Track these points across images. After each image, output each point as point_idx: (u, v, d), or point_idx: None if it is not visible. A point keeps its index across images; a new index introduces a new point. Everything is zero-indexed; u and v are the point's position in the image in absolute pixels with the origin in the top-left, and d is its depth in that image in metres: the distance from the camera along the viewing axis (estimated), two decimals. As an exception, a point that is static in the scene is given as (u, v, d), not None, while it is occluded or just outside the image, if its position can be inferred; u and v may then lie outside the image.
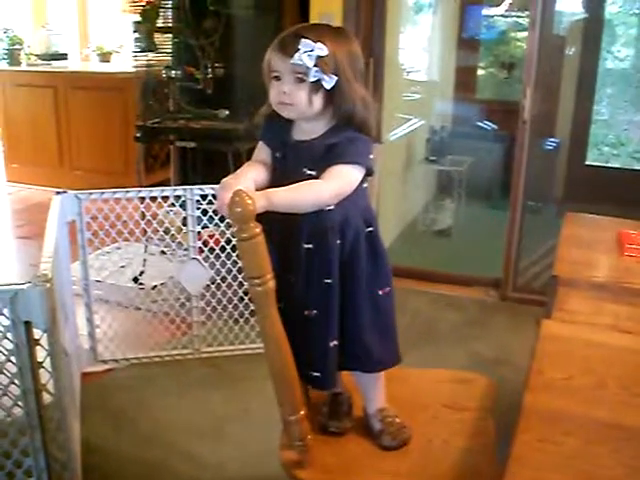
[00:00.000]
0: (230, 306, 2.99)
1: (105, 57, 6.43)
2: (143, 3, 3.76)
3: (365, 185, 1.49)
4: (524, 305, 3.49)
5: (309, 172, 1.43)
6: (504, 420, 1.46)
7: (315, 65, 1.37)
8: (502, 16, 5.99)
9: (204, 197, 2.82)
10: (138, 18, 3.82)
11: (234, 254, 2.88)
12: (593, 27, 5.26)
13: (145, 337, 3.06)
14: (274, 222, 1.37)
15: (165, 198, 2.90)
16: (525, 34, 4.50)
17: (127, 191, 2.82)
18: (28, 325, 1.65)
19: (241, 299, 2.99)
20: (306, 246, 1.44)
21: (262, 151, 1.54)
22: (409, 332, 3.04)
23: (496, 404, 1.72)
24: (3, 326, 1.65)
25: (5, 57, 6.04)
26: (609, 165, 6.08)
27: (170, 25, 3.82)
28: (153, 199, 2.89)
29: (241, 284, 2.93)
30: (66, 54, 6.32)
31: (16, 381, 1.69)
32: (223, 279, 2.95)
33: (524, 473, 1.05)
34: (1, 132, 5.92)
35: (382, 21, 3.74)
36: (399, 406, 1.64)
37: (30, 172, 5.70)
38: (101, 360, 2.91)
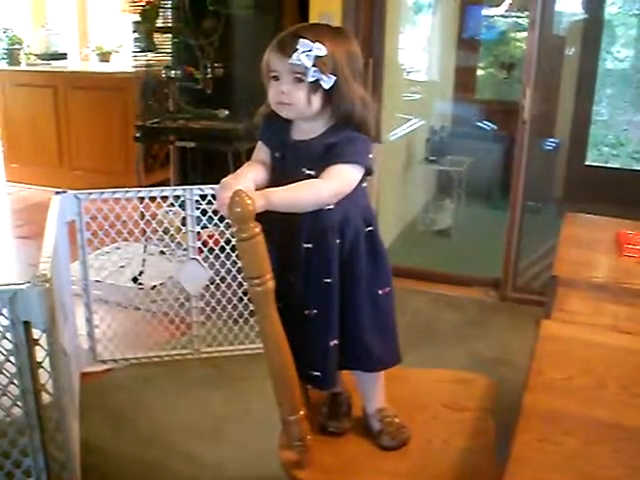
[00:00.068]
0: (229, 306, 2.99)
1: (105, 57, 6.43)
2: (143, 3, 3.76)
3: (365, 185, 1.49)
4: (524, 305, 3.48)
5: (308, 172, 1.43)
6: (504, 420, 1.46)
7: (313, 65, 1.37)
8: (502, 16, 5.99)
9: (203, 197, 2.82)
10: (138, 18, 3.81)
11: (233, 254, 2.88)
12: (593, 27, 5.26)
13: (144, 337, 3.06)
14: (274, 222, 1.37)
15: (164, 198, 2.90)
16: (525, 34, 4.49)
17: (126, 191, 2.82)
18: (27, 325, 1.65)
19: (240, 299, 2.99)
20: (306, 246, 1.44)
21: (261, 151, 1.54)
22: (409, 332, 3.03)
23: (496, 404, 1.72)
24: (2, 326, 1.64)
25: (5, 57, 6.03)
26: (609, 165, 6.08)
27: (170, 25, 3.82)
28: (152, 199, 2.89)
29: (240, 284, 2.92)
30: (66, 54, 6.31)
31: (15, 381, 1.69)
32: (222, 279, 2.95)
33: (524, 473, 1.05)
34: (1, 132, 5.92)
35: (382, 21, 3.74)
36: (399, 406, 1.64)
37: (30, 172, 5.70)
38: (100, 360, 2.91)
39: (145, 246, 3.61)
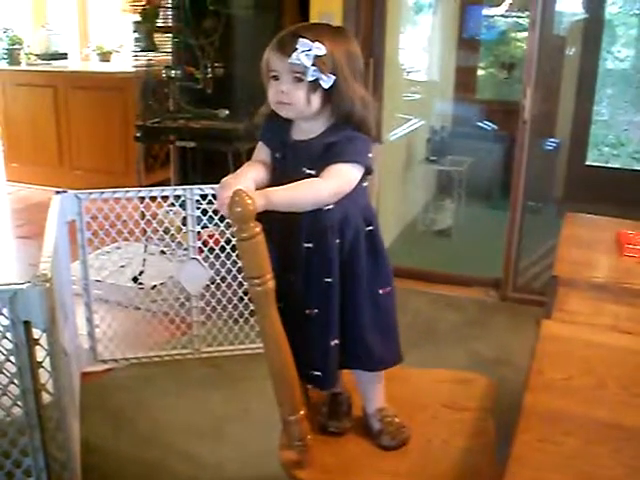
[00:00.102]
0: (230, 306, 2.99)
1: (105, 57, 6.43)
2: (143, 3, 3.76)
3: (365, 184, 1.49)
4: (524, 305, 3.48)
5: (308, 171, 1.43)
6: (504, 420, 1.46)
7: (313, 64, 1.37)
8: (502, 16, 5.99)
9: (204, 197, 2.82)
10: (138, 18, 3.82)
11: (234, 254, 2.88)
12: (593, 27, 5.26)
13: (145, 337, 3.06)
14: (274, 221, 1.37)
15: (165, 198, 2.90)
16: (525, 34, 4.50)
17: (127, 191, 2.82)
18: (27, 325, 1.65)
19: (241, 299, 2.99)
20: (306, 245, 1.44)
21: (262, 151, 1.55)
22: (409, 332, 3.03)
23: (496, 404, 1.72)
24: (2, 326, 1.64)
25: (5, 57, 6.03)
26: (609, 165, 6.08)
27: (170, 25, 3.82)
28: (153, 199, 2.89)
29: (241, 284, 2.92)
30: (66, 54, 6.32)
31: (15, 381, 1.69)
32: (223, 279, 2.95)
33: (524, 473, 1.05)
34: (1, 132, 5.92)
35: (382, 21, 3.74)
36: (399, 406, 1.64)
37: (30, 172, 5.70)
38: (101, 360, 2.91)
39: (145, 246, 3.61)
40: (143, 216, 2.92)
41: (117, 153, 5.34)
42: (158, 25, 3.81)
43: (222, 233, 2.96)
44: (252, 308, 2.72)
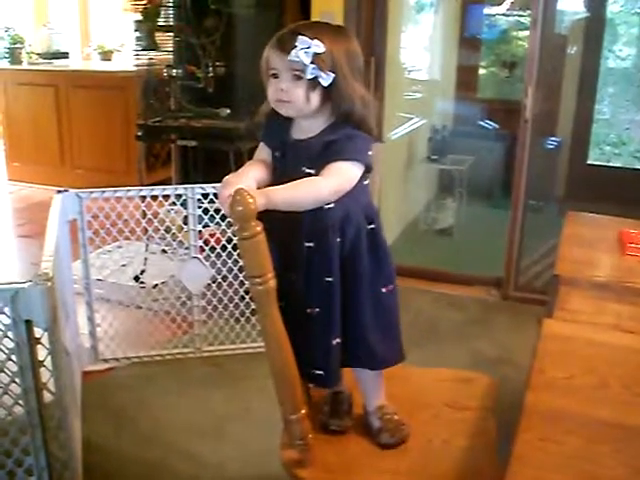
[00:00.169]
0: (231, 305, 2.99)
1: (106, 56, 6.43)
2: (144, 2, 3.76)
3: (366, 182, 1.49)
4: (526, 304, 3.48)
5: (308, 170, 1.42)
6: (505, 419, 1.45)
7: (312, 62, 1.37)
8: (503, 15, 5.99)
9: (205, 196, 2.82)
10: (139, 17, 3.82)
11: (235, 253, 2.88)
12: (595, 26, 5.26)
13: (146, 336, 3.06)
14: (275, 220, 1.37)
15: (166, 197, 2.90)
16: (526, 33, 4.49)
17: (128, 190, 2.82)
18: (29, 324, 1.65)
19: (242, 298, 2.99)
20: (307, 244, 1.44)
21: (263, 151, 1.55)
22: (411, 331, 3.02)
23: (497, 403, 1.72)
24: (4, 325, 1.64)
25: (6, 56, 6.04)
26: (611, 164, 6.08)
27: (171, 24, 3.82)
28: (154, 198, 2.89)
29: (242, 283, 2.92)
30: (67, 53, 6.32)
31: (17, 380, 1.69)
32: (224, 278, 2.95)
33: (525, 472, 1.05)
34: (2, 131, 5.93)
35: (383, 20, 3.74)
36: (400, 405, 1.64)
37: (31, 171, 5.70)
38: (102, 359, 2.91)
39: (147, 245, 3.62)
40: (144, 215, 2.92)
41: (118, 152, 5.34)
42: (159, 24, 3.81)
43: (223, 232, 2.96)
44: (253, 307, 2.72)
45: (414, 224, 4.91)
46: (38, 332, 1.69)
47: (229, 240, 2.91)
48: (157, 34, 3.84)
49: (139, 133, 3.75)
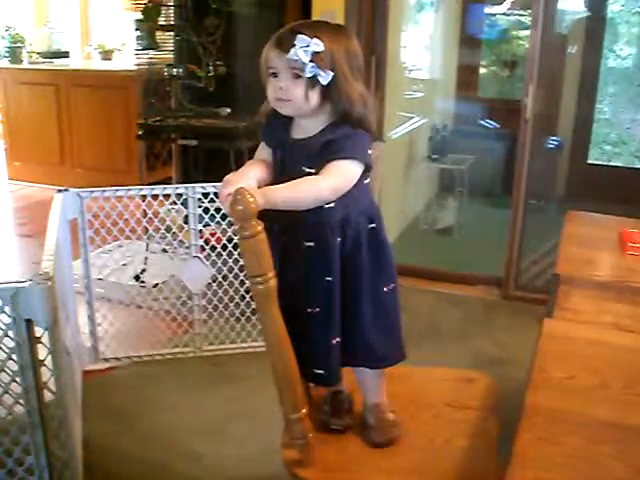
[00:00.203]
0: (232, 304, 2.99)
1: (107, 55, 6.43)
2: (145, 1, 3.76)
3: (367, 181, 1.49)
4: (526, 304, 3.48)
5: (308, 170, 1.42)
6: (506, 419, 1.46)
7: (311, 61, 1.36)
8: (504, 14, 5.98)
9: (206, 195, 2.82)
10: (140, 16, 3.82)
11: (235, 252, 2.88)
12: (595, 26, 5.25)
13: (147, 335, 3.06)
14: (275, 220, 1.37)
15: (167, 196, 2.90)
16: (527, 32, 4.49)
17: (129, 189, 2.82)
18: (29, 323, 1.65)
19: (242, 297, 2.99)
20: (307, 244, 1.44)
21: (263, 150, 1.55)
22: (411, 330, 3.01)
23: (498, 403, 1.72)
24: (4, 324, 1.64)
25: (7, 55, 6.04)
26: (611, 164, 6.08)
27: (172, 23, 3.83)
28: (155, 197, 2.89)
29: (242, 282, 2.92)
30: (68, 52, 6.32)
31: (17, 379, 1.69)
32: (224, 277, 2.95)
33: (526, 472, 1.05)
34: (3, 130, 5.93)
35: (384, 19, 3.73)
36: (401, 404, 1.64)
37: (32, 170, 5.70)
38: (102, 358, 2.91)
39: (147, 244, 3.62)
40: (145, 214, 2.92)
41: (119, 151, 5.34)
42: (160, 23, 3.82)
43: (224, 231, 2.96)
44: (254, 306, 2.72)
45: (414, 223, 4.91)
46: (39, 331, 1.68)
47: (230, 239, 2.91)
48: (158, 33, 3.84)
49: (140, 132, 3.75)
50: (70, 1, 6.76)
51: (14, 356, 1.67)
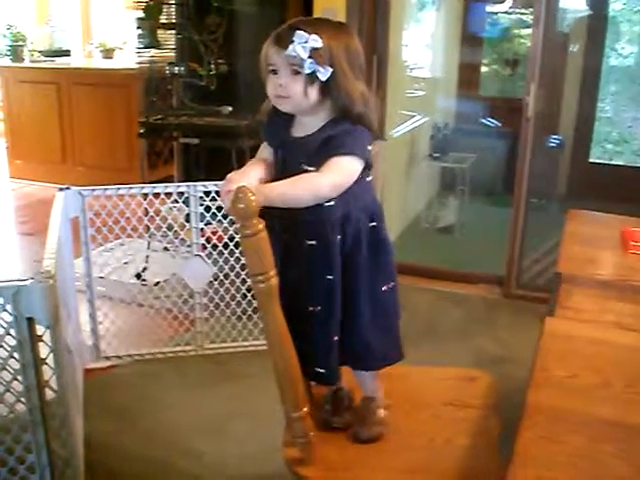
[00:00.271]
0: (233, 303, 2.99)
1: (108, 53, 6.44)
2: (146, -1, 3.76)
3: (369, 179, 1.49)
4: (528, 302, 3.48)
5: (307, 168, 1.42)
6: (508, 417, 1.45)
7: (310, 56, 1.36)
8: (506, 13, 5.98)
9: (207, 194, 2.82)
10: (141, 14, 3.81)
11: (237, 251, 2.88)
12: (597, 24, 5.25)
13: (148, 333, 3.06)
14: (277, 218, 1.37)
15: (168, 194, 2.89)
16: (529, 31, 4.49)
17: (130, 187, 2.82)
18: (31, 321, 1.65)
19: (244, 296, 2.99)
20: (309, 242, 1.44)
21: (266, 150, 1.55)
22: (412, 329, 3.03)
23: (500, 401, 1.72)
24: (6, 322, 1.65)
25: (8, 53, 6.04)
26: (613, 162, 6.08)
27: (173, 21, 3.82)
28: (156, 195, 2.89)
29: (244, 281, 2.92)
30: (69, 50, 6.33)
31: (19, 377, 1.69)
32: (226, 275, 2.95)
33: (527, 471, 1.05)
34: (4, 128, 5.93)
35: (386, 17, 3.73)
36: (402, 404, 1.64)
37: (33, 168, 5.70)
38: (104, 356, 2.91)
39: (149, 242, 3.61)
40: (146, 213, 2.92)
41: (120, 150, 5.34)
42: (162, 21, 3.81)
43: (225, 230, 2.96)
44: (255, 305, 2.72)
45: (416, 222, 4.91)
46: (40, 330, 1.69)
47: (231, 238, 2.91)
48: (159, 31, 3.84)
49: (141, 131, 3.75)
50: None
51: (15, 354, 1.67)
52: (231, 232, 2.91)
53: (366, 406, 1.61)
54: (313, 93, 1.40)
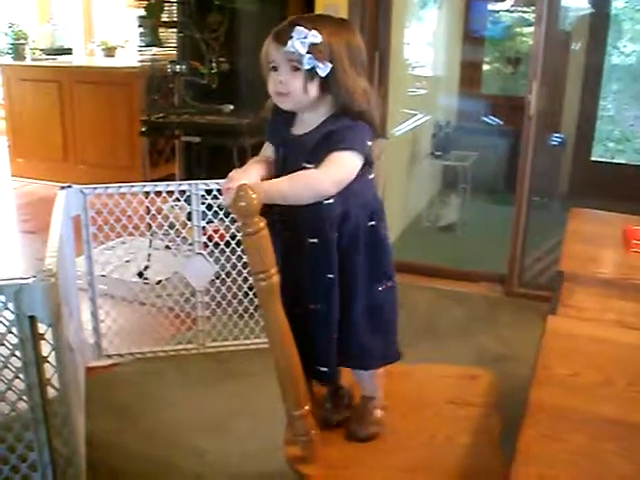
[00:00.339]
0: (235, 301, 2.99)
1: (110, 52, 6.44)
2: (148, -3, 3.76)
3: (370, 176, 1.48)
4: (530, 301, 3.48)
5: (308, 166, 1.41)
6: (510, 416, 1.45)
7: (309, 52, 1.36)
8: (508, 11, 5.97)
9: (209, 192, 2.82)
10: (143, 13, 3.81)
11: (239, 249, 2.88)
12: (599, 22, 5.24)
13: (150, 332, 3.06)
14: (277, 216, 1.37)
15: (170, 193, 2.90)
16: (531, 29, 4.49)
17: (132, 186, 2.82)
18: (33, 320, 1.65)
19: (246, 294, 2.99)
20: (311, 240, 1.44)
21: (268, 148, 1.55)
22: (414, 328, 3.04)
23: (501, 400, 1.72)
24: (8, 321, 1.65)
25: (10, 52, 6.04)
26: (614, 161, 6.07)
27: (175, 19, 3.82)
28: (158, 194, 2.89)
29: (246, 279, 2.92)
30: (71, 49, 6.33)
31: (21, 375, 1.69)
32: (228, 274, 2.95)
33: (529, 469, 1.05)
34: (6, 127, 5.93)
35: (387, 15, 3.73)
36: (403, 402, 1.64)
37: (35, 167, 5.71)
38: (106, 355, 2.92)
39: (150, 241, 3.61)
40: (148, 211, 2.92)
41: (122, 148, 5.34)
42: (163, 20, 3.81)
43: (227, 228, 2.96)
44: (257, 303, 2.72)
45: (418, 220, 4.90)
46: (42, 328, 1.69)
47: (233, 236, 2.91)
48: (161, 30, 3.84)
49: (143, 129, 3.75)
50: (73, -2, 6.77)
51: (17, 353, 1.67)
52: (232, 230, 2.91)
53: (364, 405, 1.61)
54: (313, 89, 1.40)
